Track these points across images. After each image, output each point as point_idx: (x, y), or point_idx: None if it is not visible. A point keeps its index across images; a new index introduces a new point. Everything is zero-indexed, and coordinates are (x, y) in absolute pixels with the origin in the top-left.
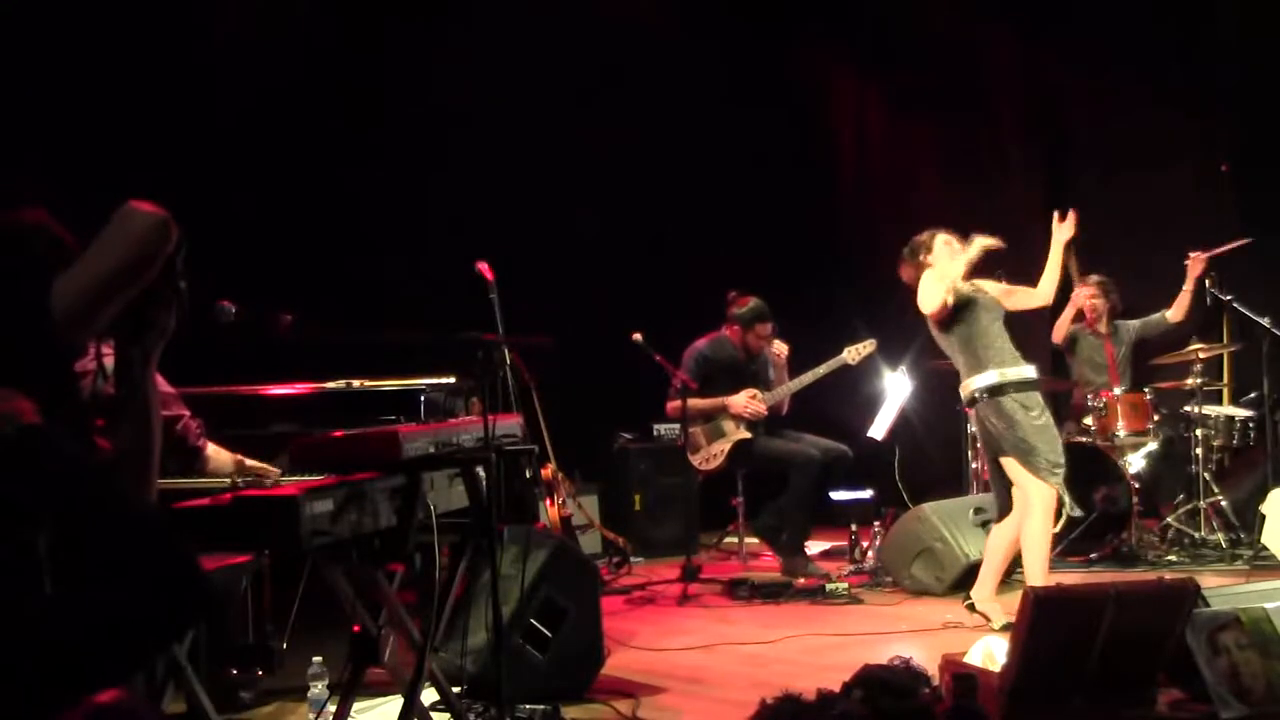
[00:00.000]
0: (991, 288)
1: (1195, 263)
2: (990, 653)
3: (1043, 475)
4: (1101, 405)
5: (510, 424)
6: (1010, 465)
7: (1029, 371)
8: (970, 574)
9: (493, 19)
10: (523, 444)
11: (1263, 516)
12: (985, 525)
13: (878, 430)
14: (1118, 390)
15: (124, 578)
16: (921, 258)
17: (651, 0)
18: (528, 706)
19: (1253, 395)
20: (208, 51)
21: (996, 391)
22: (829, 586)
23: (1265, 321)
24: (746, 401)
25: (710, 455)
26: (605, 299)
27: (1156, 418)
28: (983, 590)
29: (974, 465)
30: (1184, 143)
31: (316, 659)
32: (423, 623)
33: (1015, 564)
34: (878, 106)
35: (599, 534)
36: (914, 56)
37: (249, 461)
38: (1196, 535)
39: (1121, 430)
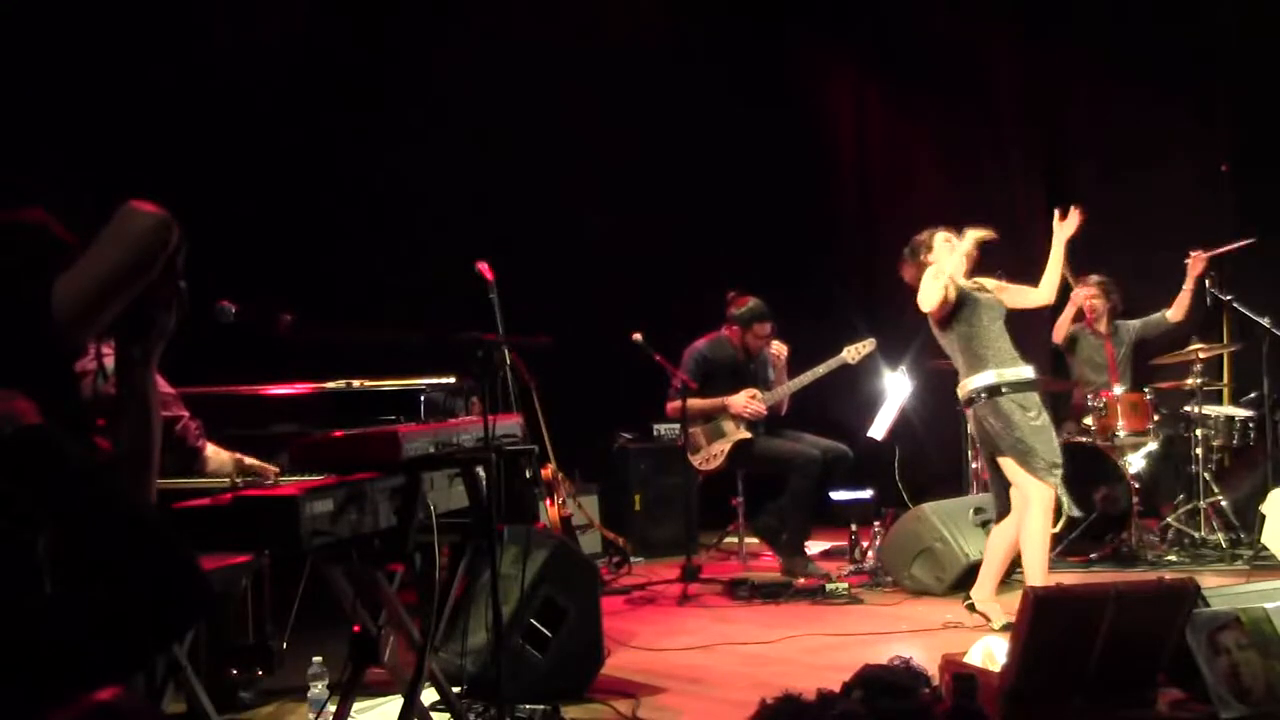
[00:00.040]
0: (992, 286)
1: (1196, 262)
2: (990, 653)
3: (1041, 475)
4: (1101, 405)
5: (510, 424)
6: (1008, 465)
7: (1027, 372)
8: (970, 574)
9: (493, 18)
10: (523, 444)
11: (1263, 516)
12: (985, 525)
13: (878, 430)
14: (1118, 390)
15: (124, 578)
16: (922, 257)
17: (652, 0)
18: (528, 706)
19: (1253, 395)
20: (208, 51)
21: (994, 392)
22: (829, 586)
23: (1265, 321)
24: (746, 401)
25: (710, 455)
26: (605, 299)
27: (1156, 418)
28: (982, 590)
29: (974, 465)
30: (1184, 143)
31: (316, 659)
32: (423, 623)
33: (1015, 564)
34: (878, 106)
35: (599, 534)
36: (914, 56)
37: (248, 460)
38: (1196, 535)
39: (1121, 430)
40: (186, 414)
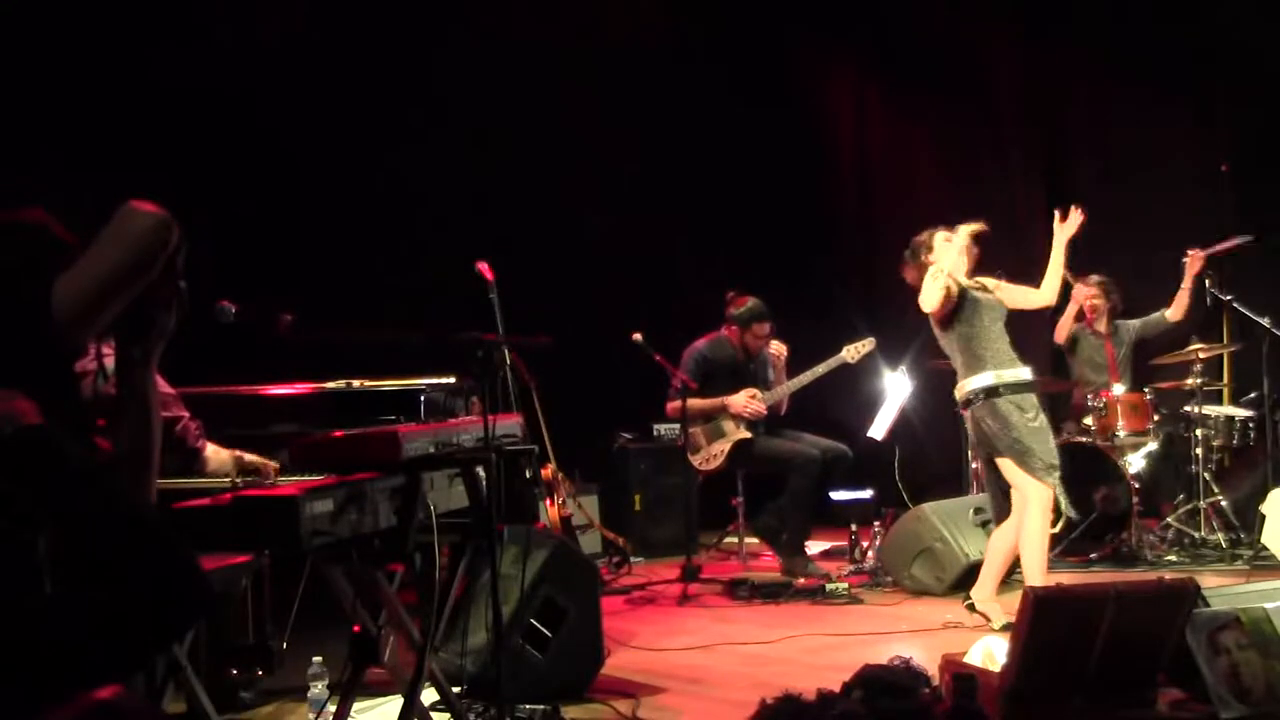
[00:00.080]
0: (993, 286)
1: (1194, 260)
2: (990, 653)
3: (1039, 476)
4: (1101, 405)
5: (510, 424)
6: (1006, 466)
7: (1025, 373)
8: (970, 574)
9: (493, 18)
10: (523, 444)
11: (1263, 516)
12: (985, 525)
13: (878, 430)
14: (1118, 390)
15: (124, 578)
16: (923, 258)
17: (652, 0)
18: (528, 706)
19: (1253, 395)
20: (208, 51)
21: (992, 393)
22: (829, 586)
23: (1265, 321)
24: (746, 401)
25: (710, 455)
26: (605, 299)
27: (1156, 418)
28: (983, 590)
29: (974, 465)
30: (1184, 143)
31: (316, 659)
32: (423, 623)
33: (1015, 564)
34: (878, 106)
35: (599, 534)
36: (914, 56)
37: (248, 457)
38: (1196, 535)
39: (1121, 430)
40: (186, 414)
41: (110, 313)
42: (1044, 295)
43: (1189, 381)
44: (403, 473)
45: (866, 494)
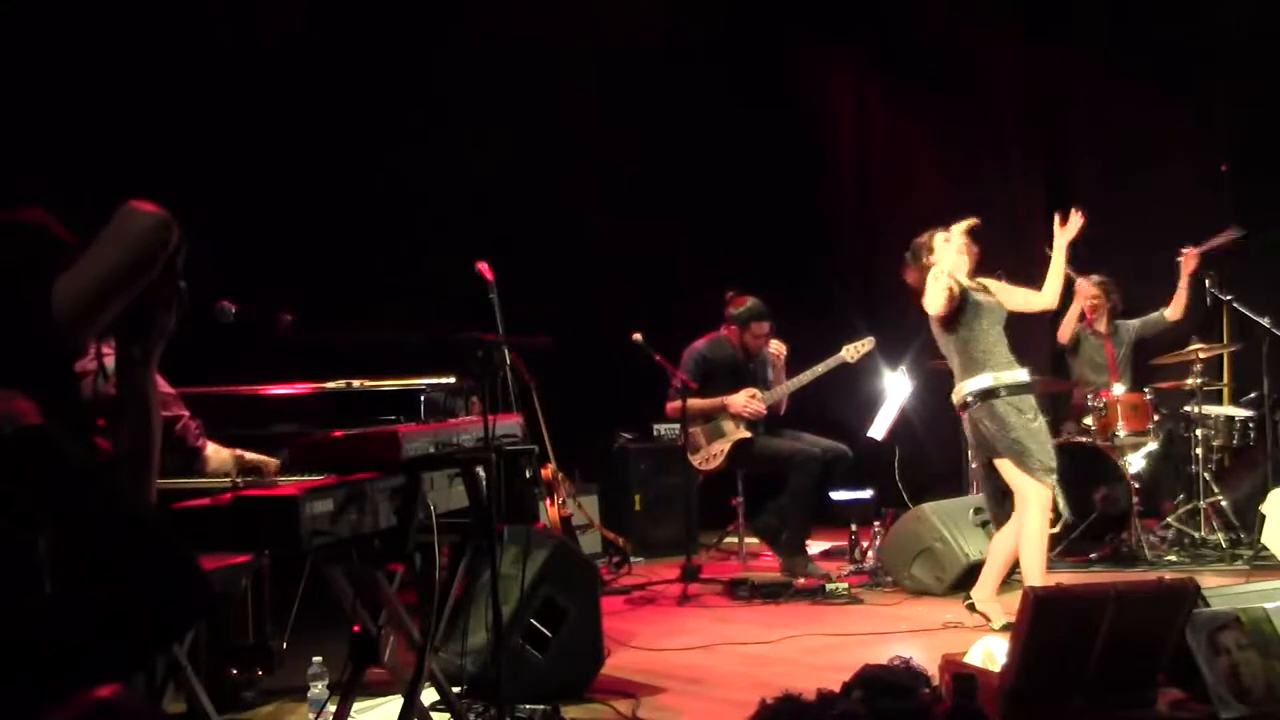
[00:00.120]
0: (994, 288)
1: (1187, 259)
2: (990, 653)
3: (1039, 476)
4: (1101, 405)
5: (510, 424)
6: (1005, 468)
7: (1022, 375)
8: (970, 574)
9: (493, 18)
10: (523, 444)
11: (1263, 516)
12: (985, 525)
13: (878, 430)
14: (1118, 390)
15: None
16: (924, 260)
17: (652, 0)
18: (528, 706)
19: (1253, 395)
20: (208, 51)
21: (989, 394)
22: (829, 586)
23: (1265, 321)
24: (746, 401)
25: (710, 455)
26: (605, 299)
27: (1156, 418)
28: (983, 591)
29: (974, 465)
30: (1184, 143)
31: (316, 659)
32: (423, 623)
33: (1015, 564)
34: (878, 106)
35: (599, 534)
36: (914, 56)
37: (249, 456)
38: (1196, 535)
39: (1121, 430)
40: (186, 413)
41: (110, 313)
42: (1045, 299)
43: (1189, 381)
44: (403, 473)
45: (866, 494)
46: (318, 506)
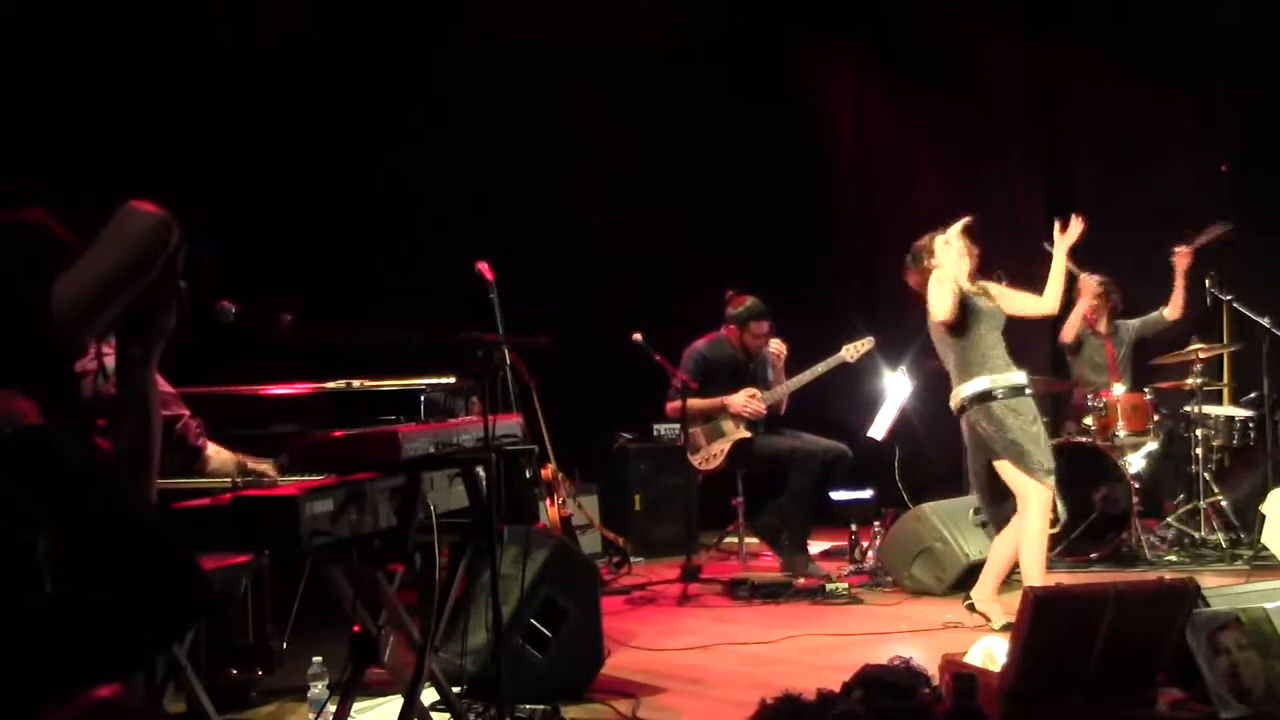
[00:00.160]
0: (995, 291)
1: (1180, 257)
2: (990, 653)
3: (1038, 477)
4: (1101, 405)
5: (510, 424)
6: (1005, 469)
7: (1019, 378)
8: (970, 574)
9: (493, 18)
10: (523, 444)
11: (1263, 516)
12: (985, 526)
13: (878, 430)
14: (1118, 390)
15: (124, 578)
16: (925, 262)
17: (652, 0)
18: (528, 706)
19: (1253, 395)
20: (208, 51)
21: (986, 397)
22: (829, 586)
23: (1265, 321)
24: (745, 401)
25: (710, 455)
26: (605, 299)
27: (1156, 418)
28: (983, 591)
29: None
30: (1184, 143)
31: (316, 659)
32: (423, 623)
33: (1016, 564)
34: (878, 106)
35: (599, 534)
36: (914, 56)
37: (250, 463)
38: (1196, 535)
39: (1121, 430)
40: (187, 413)
41: (110, 313)
42: (1047, 303)
43: (1189, 381)
44: (403, 473)
45: (866, 494)
46: (318, 506)
